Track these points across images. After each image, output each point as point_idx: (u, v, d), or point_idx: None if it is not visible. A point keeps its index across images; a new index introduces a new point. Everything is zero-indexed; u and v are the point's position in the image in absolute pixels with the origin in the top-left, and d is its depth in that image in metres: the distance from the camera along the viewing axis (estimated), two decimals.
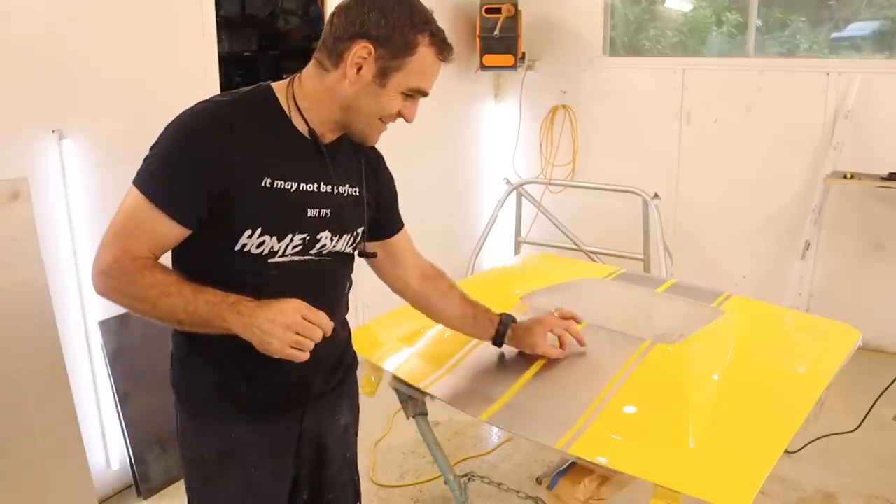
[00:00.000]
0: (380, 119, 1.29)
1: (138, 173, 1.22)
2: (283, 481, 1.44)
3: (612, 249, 3.84)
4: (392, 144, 1.56)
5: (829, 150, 3.65)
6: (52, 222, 2.30)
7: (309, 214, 1.28)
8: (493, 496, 2.54)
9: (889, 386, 2.90)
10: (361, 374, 1.64)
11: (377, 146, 1.45)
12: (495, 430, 3.00)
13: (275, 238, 1.25)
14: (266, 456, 1.39)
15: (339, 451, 1.53)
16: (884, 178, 3.47)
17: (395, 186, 1.53)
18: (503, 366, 1.69)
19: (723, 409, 1.53)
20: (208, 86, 2.72)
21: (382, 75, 1.23)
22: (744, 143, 3.93)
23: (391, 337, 1.92)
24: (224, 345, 1.24)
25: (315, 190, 1.29)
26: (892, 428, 2.98)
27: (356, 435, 1.60)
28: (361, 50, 1.21)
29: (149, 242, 1.21)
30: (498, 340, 1.64)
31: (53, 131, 2.27)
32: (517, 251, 4.27)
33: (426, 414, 1.95)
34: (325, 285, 1.38)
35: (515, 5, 4.09)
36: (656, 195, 3.60)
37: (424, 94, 1.30)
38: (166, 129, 1.22)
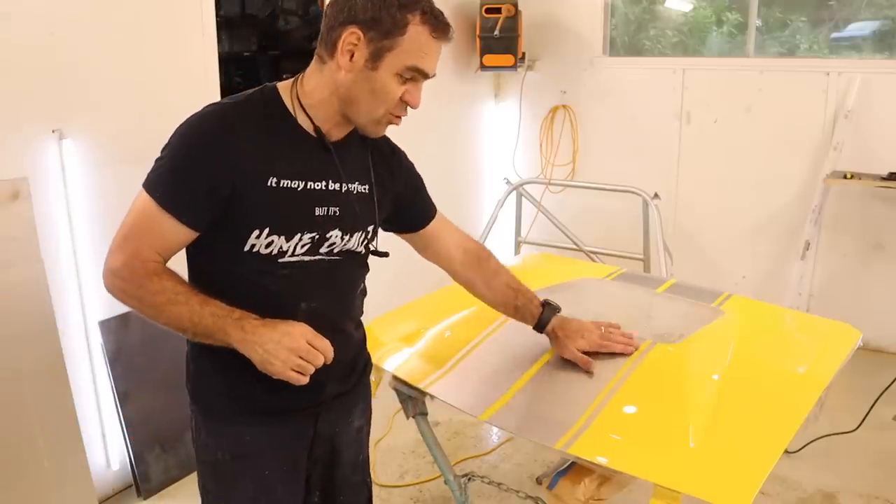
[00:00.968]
0: (384, 108, 1.25)
1: (147, 176, 1.22)
2: (297, 483, 1.43)
3: (612, 249, 3.84)
4: None
5: (829, 150, 3.65)
6: (52, 222, 2.30)
7: (317, 213, 1.27)
8: (493, 496, 2.54)
9: (889, 386, 2.90)
10: None
11: (395, 142, 1.45)
12: (495, 430, 3.00)
13: (283, 238, 1.25)
14: (280, 458, 1.38)
15: (352, 453, 1.52)
16: (884, 178, 3.47)
17: (418, 177, 1.52)
18: (503, 366, 1.69)
19: (723, 409, 1.52)
20: (208, 86, 2.72)
21: (374, 58, 1.20)
22: (744, 143, 3.93)
23: (391, 337, 1.92)
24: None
25: (323, 188, 1.28)
26: (892, 428, 2.98)
27: (368, 437, 1.59)
28: (350, 36, 1.20)
29: (157, 244, 1.22)
30: (539, 327, 1.64)
31: (53, 131, 2.27)
32: (517, 251, 4.26)
33: (426, 414, 1.95)
34: (337, 285, 1.37)
35: (515, 5, 4.09)
36: (656, 195, 3.60)
37: (425, 75, 1.25)
38: (175, 132, 1.23)
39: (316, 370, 1.23)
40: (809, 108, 3.74)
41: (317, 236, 1.28)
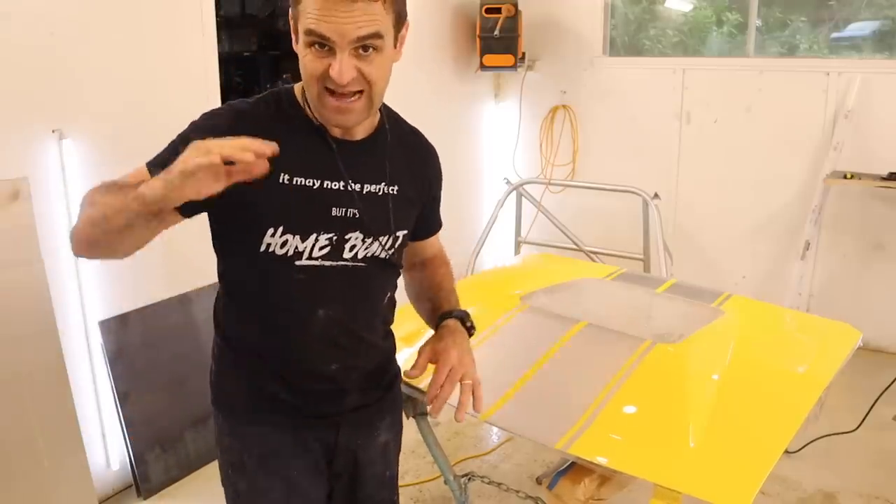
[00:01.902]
0: (312, 85, 1.13)
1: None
2: (322, 488, 1.38)
3: (612, 249, 3.84)
4: None
5: (829, 150, 3.65)
6: (52, 222, 2.30)
7: (334, 213, 1.21)
8: (493, 496, 2.54)
9: (889, 386, 2.91)
10: None
11: (427, 140, 1.36)
12: (495, 430, 3.00)
13: (298, 237, 1.19)
14: (304, 458, 1.34)
15: (377, 470, 1.44)
16: (884, 178, 3.47)
17: (439, 184, 1.41)
18: (503, 366, 1.69)
19: (723, 409, 1.53)
20: (208, 86, 2.72)
21: (294, 32, 1.13)
22: (744, 143, 3.93)
23: None
24: (257, 343, 1.26)
25: (341, 188, 1.21)
26: (892, 428, 2.98)
27: (398, 453, 1.50)
28: (289, 15, 1.14)
29: None
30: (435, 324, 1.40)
31: (53, 131, 2.27)
32: (517, 251, 4.26)
33: (426, 414, 1.95)
34: (360, 292, 1.29)
35: (515, 5, 4.09)
36: (656, 195, 3.60)
37: (321, 39, 1.07)
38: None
39: (337, 376, 1.21)
40: (809, 108, 3.74)
41: (335, 237, 1.21)
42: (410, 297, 1.50)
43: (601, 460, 1.40)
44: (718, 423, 1.47)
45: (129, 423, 2.53)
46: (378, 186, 1.25)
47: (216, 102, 2.65)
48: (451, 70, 4.20)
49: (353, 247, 1.23)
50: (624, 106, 4.26)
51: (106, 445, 2.56)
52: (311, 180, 1.19)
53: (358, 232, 1.23)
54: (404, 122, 1.35)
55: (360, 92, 1.13)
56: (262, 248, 1.18)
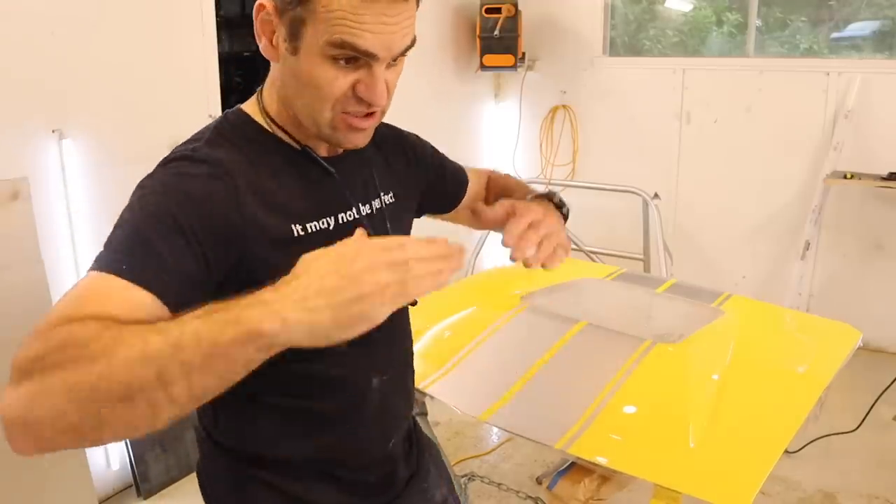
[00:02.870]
0: (327, 106, 0.87)
1: (94, 262, 0.77)
2: None
3: (612, 249, 3.84)
4: None
5: (829, 150, 3.65)
6: (52, 222, 2.30)
7: None
8: (493, 496, 2.54)
9: (889, 386, 2.90)
10: None
11: (387, 125, 1.11)
12: (495, 430, 3.00)
13: None
14: None
15: None
16: (884, 178, 3.47)
17: (431, 152, 1.20)
18: (503, 366, 1.69)
19: (723, 409, 1.52)
20: (208, 86, 2.72)
21: (292, 37, 0.84)
22: (744, 143, 3.93)
23: None
24: (295, 447, 0.98)
25: (355, 218, 0.98)
26: (892, 428, 2.98)
27: (458, 499, 1.29)
28: (260, 10, 0.86)
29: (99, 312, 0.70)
30: None
31: (53, 131, 2.27)
32: None
33: (426, 414, 1.95)
34: (398, 335, 1.09)
35: (515, 5, 4.09)
36: (656, 195, 3.60)
37: (366, 56, 0.83)
38: (130, 203, 0.82)
39: (393, 453, 1.00)
40: (809, 108, 3.74)
41: None
42: (485, 225, 1.22)
43: (601, 460, 1.40)
44: (718, 423, 1.47)
45: None
46: (378, 200, 1.04)
47: (216, 102, 2.66)
48: (451, 70, 4.20)
49: None
50: (624, 106, 4.26)
51: (106, 445, 2.56)
52: (325, 220, 0.94)
53: None
54: None
55: None
56: None
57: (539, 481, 2.66)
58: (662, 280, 2.42)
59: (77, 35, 2.30)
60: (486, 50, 4.14)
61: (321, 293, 0.65)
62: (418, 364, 1.77)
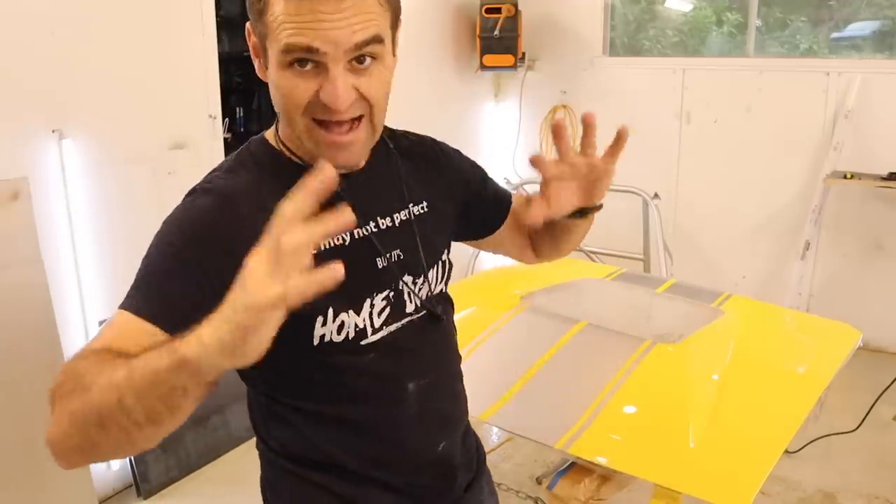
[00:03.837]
0: (297, 116, 0.87)
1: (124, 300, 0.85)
2: None
3: (612, 249, 3.84)
4: None
5: (829, 150, 3.65)
6: (52, 222, 2.30)
7: (380, 265, 0.98)
8: None
9: (889, 386, 2.91)
10: None
11: (422, 136, 1.12)
12: (495, 430, 3.00)
13: (352, 311, 0.95)
14: None
15: None
16: (884, 178, 3.47)
17: (471, 164, 1.19)
18: (503, 366, 1.69)
19: (723, 409, 1.53)
20: (208, 86, 2.72)
21: (263, 53, 0.88)
22: (744, 143, 3.93)
23: None
24: (342, 452, 0.99)
25: (374, 229, 0.98)
26: (892, 428, 2.98)
27: None
28: (248, 35, 0.92)
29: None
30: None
31: (53, 131, 2.27)
32: None
33: None
34: (438, 343, 1.08)
35: (515, 5, 4.09)
36: (656, 195, 3.60)
37: (307, 54, 0.83)
38: (157, 234, 0.89)
39: (444, 455, 1.01)
40: (809, 108, 3.74)
41: (392, 294, 0.99)
42: (551, 248, 1.21)
43: (601, 460, 1.40)
44: (718, 423, 1.47)
45: None
46: (405, 211, 1.03)
47: (216, 102, 2.66)
48: (451, 70, 4.20)
49: (409, 294, 1.01)
50: (624, 106, 4.26)
51: None
52: (339, 236, 0.94)
53: (408, 275, 1.01)
54: (394, 129, 1.11)
55: (360, 117, 0.88)
56: (317, 342, 0.93)
57: (539, 481, 2.66)
58: (662, 280, 2.42)
59: (77, 35, 2.30)
60: (486, 50, 4.14)
61: (225, 307, 0.65)
62: None
